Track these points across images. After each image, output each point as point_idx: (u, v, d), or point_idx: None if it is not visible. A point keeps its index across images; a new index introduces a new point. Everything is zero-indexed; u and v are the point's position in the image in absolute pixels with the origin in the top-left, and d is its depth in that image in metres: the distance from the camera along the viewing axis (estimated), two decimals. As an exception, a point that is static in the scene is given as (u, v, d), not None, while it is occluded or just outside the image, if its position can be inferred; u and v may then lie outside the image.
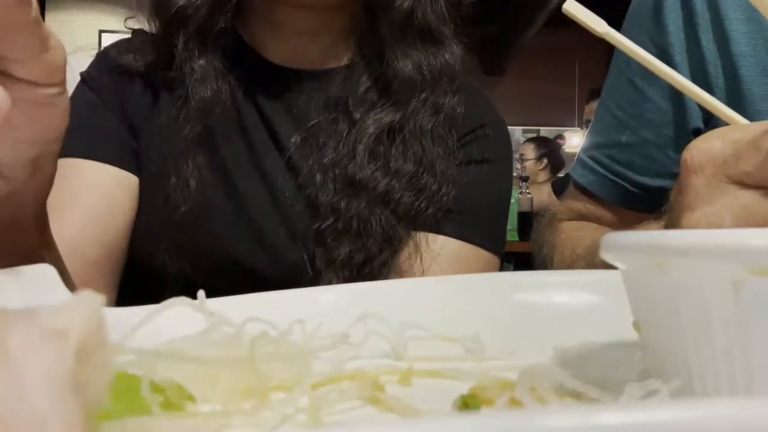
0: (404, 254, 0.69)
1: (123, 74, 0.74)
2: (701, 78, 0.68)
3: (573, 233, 0.76)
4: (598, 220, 0.77)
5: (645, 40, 0.71)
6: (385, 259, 0.68)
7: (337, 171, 0.69)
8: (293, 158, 0.71)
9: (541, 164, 4.31)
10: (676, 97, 0.70)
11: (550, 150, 4.34)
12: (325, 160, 0.69)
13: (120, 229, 0.70)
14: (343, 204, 0.67)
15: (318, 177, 0.69)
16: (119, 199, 0.70)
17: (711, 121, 0.69)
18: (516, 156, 4.50)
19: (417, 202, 0.69)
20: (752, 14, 0.65)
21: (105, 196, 0.69)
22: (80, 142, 0.71)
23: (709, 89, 0.67)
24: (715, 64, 0.67)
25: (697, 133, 0.70)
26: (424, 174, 0.69)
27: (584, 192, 0.79)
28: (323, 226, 0.68)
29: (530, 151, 4.39)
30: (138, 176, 0.72)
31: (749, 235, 0.22)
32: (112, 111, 0.72)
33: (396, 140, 0.69)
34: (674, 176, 0.70)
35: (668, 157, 0.71)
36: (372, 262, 0.67)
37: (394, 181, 0.68)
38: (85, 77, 0.75)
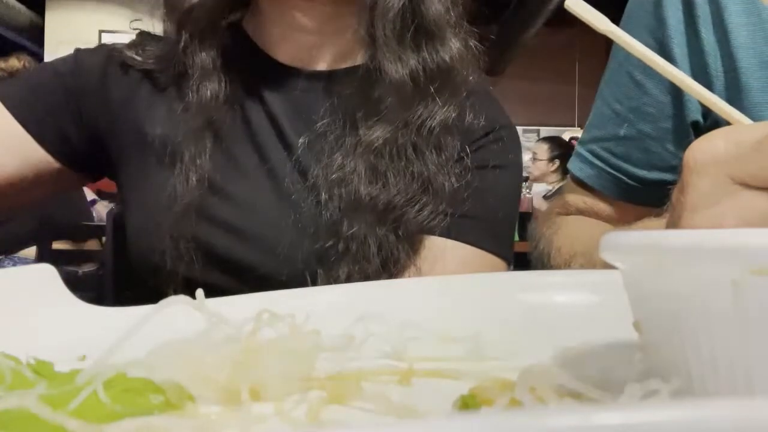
0: (405, 277, 0.68)
1: (120, 66, 0.74)
2: (701, 71, 0.68)
3: (571, 228, 0.75)
4: (596, 215, 0.77)
5: (644, 34, 0.71)
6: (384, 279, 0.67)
7: (339, 190, 0.67)
8: (301, 160, 0.70)
9: (552, 165, 4.28)
10: (675, 90, 0.70)
11: (564, 152, 4.30)
12: (332, 177, 0.68)
13: None
14: (344, 225, 0.66)
15: (324, 195, 0.68)
16: (2, 152, 0.70)
17: (710, 115, 0.69)
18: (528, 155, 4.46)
19: (419, 220, 0.67)
20: (751, 7, 0.65)
21: None
22: (13, 89, 0.73)
23: (709, 82, 0.67)
24: (714, 57, 0.67)
25: (696, 126, 0.70)
26: (427, 191, 0.68)
27: (582, 186, 0.78)
28: (326, 245, 0.67)
29: (543, 152, 4.34)
30: (52, 155, 0.72)
31: (749, 235, 0.22)
32: (70, 92, 0.72)
33: (397, 155, 0.68)
34: (673, 169, 0.71)
35: (667, 151, 0.71)
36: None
37: (396, 198, 0.67)
38: (76, 54, 0.76)
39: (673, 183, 0.74)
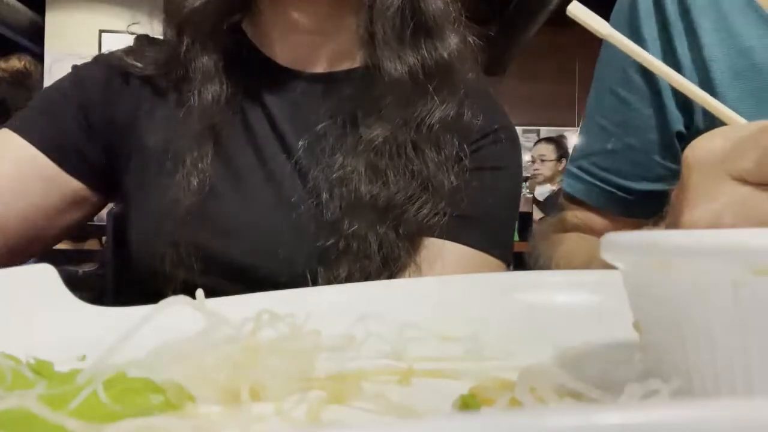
0: (406, 275, 0.68)
1: (121, 75, 0.73)
2: None
3: (568, 245, 0.76)
4: (590, 229, 0.78)
5: (623, 51, 0.73)
6: (385, 279, 0.66)
7: (340, 189, 0.67)
8: (300, 162, 0.70)
9: (561, 165, 4.30)
10: (658, 103, 0.72)
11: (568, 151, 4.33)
12: (333, 177, 0.68)
13: (13, 210, 0.68)
14: (345, 223, 0.66)
15: (324, 195, 0.68)
16: (29, 183, 0.69)
17: (692, 126, 0.71)
18: (530, 156, 4.49)
19: (419, 218, 0.67)
20: (721, 23, 0.68)
21: (11, 172, 0.69)
22: (25, 118, 0.72)
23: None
24: (690, 70, 0.70)
25: (680, 136, 0.72)
26: (427, 189, 0.68)
27: (575, 202, 0.80)
28: (327, 244, 0.66)
29: (550, 152, 4.37)
30: (73, 175, 0.71)
31: (749, 235, 0.22)
32: (79, 108, 0.72)
33: (397, 153, 0.67)
34: (661, 179, 0.73)
35: (654, 161, 0.73)
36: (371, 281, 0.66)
37: (397, 196, 0.67)
38: (75, 70, 0.75)
39: (663, 192, 0.76)
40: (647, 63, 0.39)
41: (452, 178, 0.69)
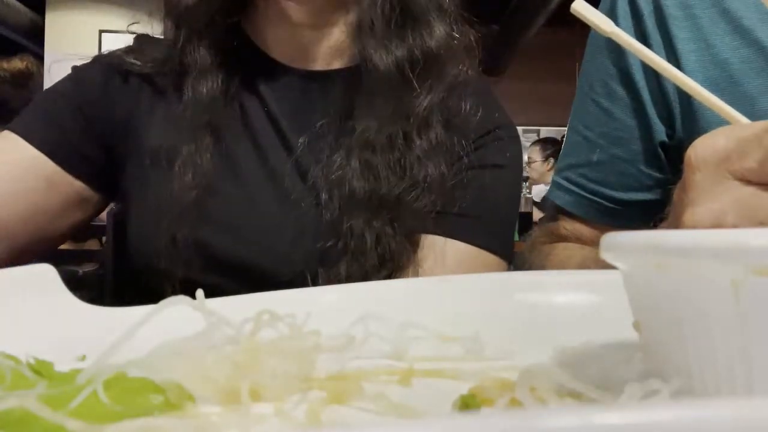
0: (406, 274, 0.68)
1: (120, 75, 0.74)
2: (661, 95, 0.71)
3: (559, 255, 0.76)
4: (579, 240, 0.78)
5: (606, 63, 0.74)
6: (384, 277, 0.66)
7: (337, 188, 0.67)
8: (300, 160, 0.70)
9: (548, 165, 4.35)
10: (640, 113, 0.72)
11: (556, 150, 4.37)
12: (332, 177, 0.68)
13: (16, 212, 0.68)
14: (344, 223, 0.66)
15: (323, 195, 0.68)
16: (30, 184, 0.69)
17: (674, 136, 0.71)
18: (527, 157, 4.54)
19: (414, 212, 0.67)
20: (696, 34, 0.68)
21: (12, 173, 0.69)
22: (26, 120, 0.72)
23: (668, 104, 0.70)
24: (669, 80, 0.70)
25: (663, 146, 0.72)
26: (421, 182, 0.68)
27: (563, 212, 0.80)
28: (326, 245, 0.66)
29: (536, 154, 4.43)
30: (74, 176, 0.71)
31: (749, 235, 0.22)
32: (79, 108, 0.72)
33: (389, 148, 0.67)
34: (648, 189, 0.74)
35: (639, 171, 0.74)
36: (371, 280, 0.66)
37: (391, 191, 0.67)
38: (74, 71, 0.75)
39: (650, 201, 0.76)
40: (650, 61, 0.40)
41: (444, 169, 0.69)
